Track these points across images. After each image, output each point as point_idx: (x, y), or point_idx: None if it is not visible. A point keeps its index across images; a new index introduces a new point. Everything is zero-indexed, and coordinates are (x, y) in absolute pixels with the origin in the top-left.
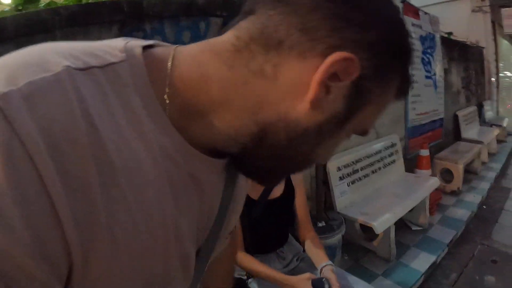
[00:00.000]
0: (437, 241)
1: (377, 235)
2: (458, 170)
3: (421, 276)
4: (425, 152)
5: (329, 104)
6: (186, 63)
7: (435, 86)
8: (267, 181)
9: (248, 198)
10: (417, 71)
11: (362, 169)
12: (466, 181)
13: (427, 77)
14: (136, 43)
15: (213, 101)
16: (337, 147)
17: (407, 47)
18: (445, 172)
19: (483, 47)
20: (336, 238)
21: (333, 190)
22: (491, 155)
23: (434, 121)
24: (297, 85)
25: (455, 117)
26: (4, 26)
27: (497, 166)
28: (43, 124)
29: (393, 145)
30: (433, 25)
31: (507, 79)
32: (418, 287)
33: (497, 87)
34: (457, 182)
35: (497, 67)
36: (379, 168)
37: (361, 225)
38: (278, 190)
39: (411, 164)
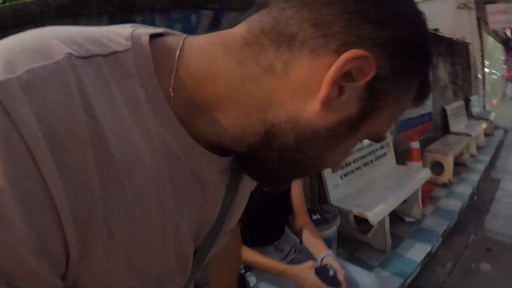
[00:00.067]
0: (431, 232)
1: (372, 227)
2: (448, 162)
3: (418, 266)
4: (415, 144)
5: (341, 105)
6: (194, 55)
7: None
8: (273, 184)
9: None
10: None
11: (354, 161)
12: (456, 173)
13: None
14: (144, 31)
15: (219, 96)
16: (349, 152)
17: (427, 48)
18: (436, 165)
19: (469, 43)
20: (331, 230)
21: (326, 183)
22: (479, 148)
23: (423, 115)
24: (308, 83)
25: (443, 111)
26: None
27: (486, 158)
28: (42, 115)
29: None
30: None
31: (493, 76)
32: (415, 277)
33: (483, 82)
34: (448, 174)
35: (482, 63)
36: (371, 161)
37: (355, 218)
38: None
39: (402, 157)
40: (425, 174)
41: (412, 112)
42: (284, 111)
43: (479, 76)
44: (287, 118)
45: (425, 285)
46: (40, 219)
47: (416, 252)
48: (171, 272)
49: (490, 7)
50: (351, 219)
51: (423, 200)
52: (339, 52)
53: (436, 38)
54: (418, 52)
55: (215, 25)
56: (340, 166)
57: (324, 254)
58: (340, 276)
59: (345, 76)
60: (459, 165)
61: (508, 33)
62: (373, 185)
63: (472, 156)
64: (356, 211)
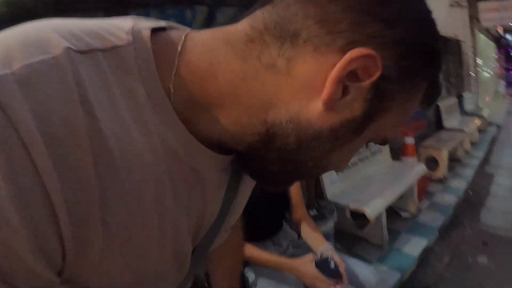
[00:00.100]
0: (427, 226)
1: (368, 222)
2: (443, 157)
3: (415, 260)
4: (410, 140)
5: (345, 106)
6: (196, 51)
7: None
8: (273, 185)
9: None
10: None
11: None
12: (450, 168)
13: None
14: (146, 25)
15: (220, 94)
16: (353, 154)
17: (436, 50)
18: (430, 161)
19: (462, 41)
20: (329, 226)
21: (322, 178)
22: (473, 144)
23: (416, 111)
24: (311, 82)
25: (437, 108)
26: None
27: (480, 154)
28: (39, 111)
29: None
30: None
31: (485, 74)
32: (413, 271)
33: (476, 80)
34: (442, 169)
35: (475, 60)
36: (366, 157)
37: (351, 213)
38: None
39: (397, 153)
40: (421, 169)
41: None
42: (286, 110)
43: (472, 73)
44: (288, 118)
45: (423, 279)
46: (36, 216)
47: (413, 247)
48: (168, 270)
49: (482, 5)
50: (348, 214)
51: (418, 195)
52: (344, 50)
53: None
54: (427, 53)
55: (210, 21)
56: (344, 168)
57: (323, 247)
58: (341, 269)
59: (350, 76)
60: (454, 160)
61: (500, 31)
62: (369, 180)
63: (466, 152)
64: (353, 206)
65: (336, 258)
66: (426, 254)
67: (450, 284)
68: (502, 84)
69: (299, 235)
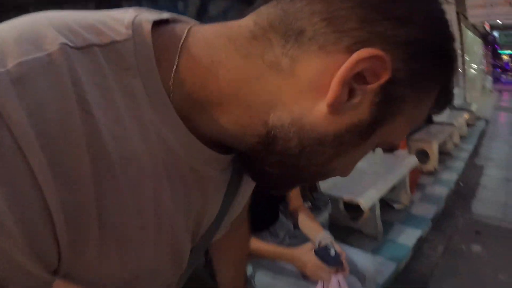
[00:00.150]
0: (420, 217)
1: (362, 214)
2: (433, 150)
3: (410, 250)
4: None
5: (352, 110)
6: (198, 47)
7: None
8: (274, 188)
9: None
10: None
11: None
12: (440, 161)
13: None
14: (147, 18)
15: (221, 92)
16: (359, 160)
17: (451, 52)
18: (420, 154)
19: None
20: (323, 217)
21: None
22: (462, 137)
23: None
24: (315, 83)
25: None
26: None
27: (469, 147)
28: (34, 112)
29: None
30: None
31: (472, 70)
32: (408, 261)
33: (464, 76)
34: (433, 162)
35: (462, 56)
36: None
37: (345, 205)
38: None
39: None
40: (412, 160)
41: None
42: (288, 112)
43: (459, 69)
44: (291, 120)
45: (418, 269)
46: (31, 218)
47: (408, 237)
48: (164, 268)
49: (469, 1)
50: (341, 207)
51: (410, 187)
52: (351, 50)
53: None
54: (440, 55)
55: (202, 13)
56: (349, 174)
57: (321, 235)
58: (342, 257)
59: (357, 78)
60: (443, 153)
61: (487, 27)
62: (361, 172)
63: (455, 145)
64: (346, 197)
65: (336, 245)
66: (420, 244)
67: (445, 272)
68: (489, 80)
69: (295, 226)
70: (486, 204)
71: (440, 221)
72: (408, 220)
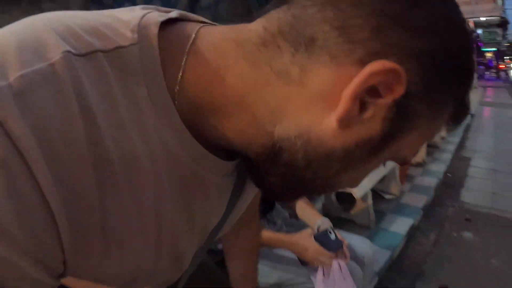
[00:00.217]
0: (411, 206)
1: (354, 204)
2: None
3: (403, 238)
4: None
5: (363, 125)
6: (205, 50)
7: None
8: (278, 198)
9: None
10: None
11: None
12: (428, 153)
13: None
14: (155, 19)
15: (226, 99)
16: (368, 174)
17: (469, 65)
18: None
19: None
20: (316, 207)
21: None
22: (448, 130)
23: None
24: (325, 95)
25: None
26: None
27: (455, 139)
28: (37, 125)
29: None
30: None
31: None
32: (402, 249)
33: None
34: (421, 153)
35: None
36: None
37: (337, 196)
38: None
39: None
40: None
41: None
42: (295, 125)
43: None
44: (297, 133)
45: (412, 256)
46: (39, 230)
47: (400, 225)
48: (164, 268)
49: None
50: (333, 198)
51: (400, 178)
52: (364, 62)
53: None
54: (458, 68)
55: (194, 3)
56: (356, 186)
57: (319, 220)
58: (344, 244)
59: (369, 91)
60: (431, 146)
61: (472, 25)
62: None
63: (442, 138)
64: None
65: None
66: (412, 232)
67: (438, 259)
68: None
69: (291, 215)
70: (475, 193)
71: (430, 210)
72: (399, 210)
